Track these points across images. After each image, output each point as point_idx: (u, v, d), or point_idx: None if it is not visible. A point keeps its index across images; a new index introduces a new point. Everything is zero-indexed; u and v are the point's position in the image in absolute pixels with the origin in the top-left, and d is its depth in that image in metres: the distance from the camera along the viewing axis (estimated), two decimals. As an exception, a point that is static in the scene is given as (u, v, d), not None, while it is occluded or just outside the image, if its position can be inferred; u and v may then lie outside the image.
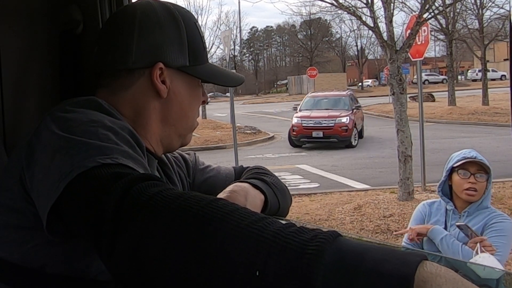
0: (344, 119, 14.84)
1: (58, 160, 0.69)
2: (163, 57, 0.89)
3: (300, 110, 16.38)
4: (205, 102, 1.03)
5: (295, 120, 15.22)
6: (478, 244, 2.20)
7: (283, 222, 0.57)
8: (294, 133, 14.92)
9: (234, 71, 1.09)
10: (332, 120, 14.84)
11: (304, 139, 14.81)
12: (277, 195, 1.03)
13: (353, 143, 14.63)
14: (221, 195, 0.94)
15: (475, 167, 2.43)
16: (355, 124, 15.07)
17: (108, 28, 0.93)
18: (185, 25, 0.93)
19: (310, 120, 14.99)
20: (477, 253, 2.18)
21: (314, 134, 14.68)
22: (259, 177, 1.04)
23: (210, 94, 57.01)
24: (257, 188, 0.98)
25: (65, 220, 0.68)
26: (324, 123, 14.76)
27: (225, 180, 1.11)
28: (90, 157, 0.67)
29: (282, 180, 1.12)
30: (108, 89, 0.91)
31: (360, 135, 15.89)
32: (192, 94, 0.96)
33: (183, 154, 1.13)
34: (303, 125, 14.85)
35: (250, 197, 0.94)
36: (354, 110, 15.66)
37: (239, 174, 1.14)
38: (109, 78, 0.90)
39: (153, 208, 0.59)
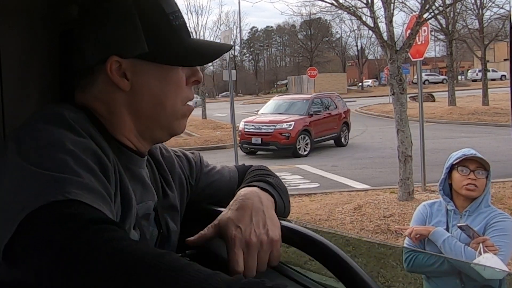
0: (286, 125, 13.45)
1: (12, 193, 0.68)
2: (116, 49, 0.84)
3: (257, 114, 15.46)
4: (198, 82, 0.94)
5: (241, 125, 13.95)
6: (480, 245, 2.20)
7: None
8: (239, 138, 13.54)
9: (220, 42, 1.01)
10: (272, 126, 13.43)
11: (245, 145, 13.69)
12: (282, 197, 1.02)
13: (300, 152, 13.26)
14: (234, 203, 0.93)
15: (475, 164, 2.44)
16: (309, 131, 13.65)
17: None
18: (139, 8, 0.85)
19: (252, 125, 13.86)
20: (480, 253, 2.18)
21: (253, 140, 13.49)
22: (264, 179, 1.03)
23: (224, 94, 57.06)
24: (266, 191, 0.97)
25: (9, 262, 0.66)
26: (264, 129, 13.45)
27: (229, 182, 1.10)
28: (41, 194, 0.66)
29: (283, 180, 1.12)
30: (79, 89, 0.88)
31: (339, 142, 14.84)
32: (165, 80, 0.87)
33: (188, 155, 1.10)
34: (245, 130, 13.75)
35: (264, 201, 0.94)
36: (313, 116, 14.26)
37: (243, 174, 1.12)
38: (77, 77, 0.88)
39: (89, 268, 0.59)
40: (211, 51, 0.93)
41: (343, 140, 15.06)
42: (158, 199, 0.94)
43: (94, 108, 0.86)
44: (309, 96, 16.01)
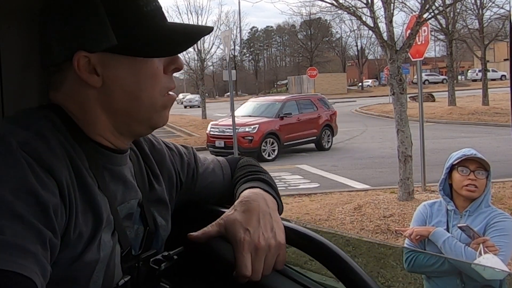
0: (249, 128, 12.87)
1: None
2: (83, 44, 0.78)
3: (229, 116, 14.70)
4: (179, 69, 0.87)
5: (208, 128, 13.61)
6: (481, 245, 2.20)
7: None
8: (206, 141, 13.42)
9: (198, 24, 0.92)
10: (235, 128, 13.15)
11: (211, 148, 13.11)
12: (279, 196, 1.02)
13: (266, 157, 12.69)
14: (240, 205, 0.91)
15: (475, 164, 2.44)
16: (277, 134, 13.03)
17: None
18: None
19: (216, 128, 13.39)
20: (480, 254, 2.18)
21: (217, 143, 13.02)
22: (261, 178, 1.03)
23: (229, 94, 56.71)
24: (268, 193, 0.97)
25: None
26: (227, 132, 12.63)
27: (224, 182, 1.09)
28: None
29: (283, 180, 1.12)
30: (52, 87, 0.84)
31: (320, 146, 14.17)
32: (139, 72, 0.81)
33: (180, 149, 1.06)
34: (210, 133, 13.38)
35: (269, 203, 0.93)
36: (285, 118, 13.60)
37: (234, 165, 1.11)
38: (48, 76, 0.84)
39: None
40: (187, 37, 0.85)
41: (324, 144, 14.27)
42: (144, 192, 0.91)
43: (67, 107, 0.81)
44: (283, 97, 15.30)
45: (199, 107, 34.73)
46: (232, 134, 12.24)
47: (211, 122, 14.08)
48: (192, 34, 0.86)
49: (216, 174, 1.08)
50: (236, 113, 14.57)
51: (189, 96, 45.27)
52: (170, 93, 0.87)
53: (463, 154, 2.47)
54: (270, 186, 1.01)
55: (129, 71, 0.81)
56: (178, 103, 49.19)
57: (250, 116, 13.89)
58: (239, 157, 1.15)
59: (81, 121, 0.81)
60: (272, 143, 12.93)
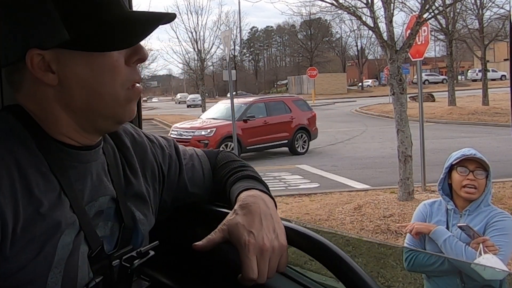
0: (205, 132, 12.47)
1: None
2: (34, 41, 0.75)
3: (199, 118, 14.54)
4: (143, 60, 0.82)
5: (170, 131, 13.23)
6: (481, 245, 2.20)
7: None
8: None
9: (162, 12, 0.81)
10: (191, 132, 12.51)
11: None
12: (267, 188, 1.00)
13: None
14: (240, 208, 0.90)
15: (474, 164, 2.44)
16: (238, 138, 11.87)
17: None
18: None
19: (175, 131, 13.11)
20: (480, 254, 2.18)
21: None
22: (253, 176, 1.01)
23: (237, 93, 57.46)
24: (265, 193, 0.96)
25: None
26: (184, 135, 12.47)
27: (204, 177, 1.07)
28: None
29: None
30: (13, 87, 0.81)
31: (294, 150, 13.50)
32: (96, 67, 0.77)
33: (160, 141, 1.04)
34: (170, 136, 12.27)
35: (269, 204, 0.93)
36: (249, 121, 13.03)
37: (213, 160, 1.09)
38: (8, 76, 0.81)
39: None
40: (145, 25, 0.80)
41: (298, 148, 13.60)
42: (119, 187, 0.88)
43: (28, 108, 0.79)
44: (251, 99, 14.59)
45: (201, 106, 35.60)
46: (188, 138, 12.24)
47: (174, 125, 13.73)
48: (150, 22, 0.80)
49: (196, 169, 1.06)
50: (204, 115, 14.40)
51: (192, 95, 45.66)
52: (137, 85, 0.83)
53: (462, 154, 2.47)
54: (260, 182, 1.00)
55: (85, 66, 0.77)
56: (176, 103, 50.93)
57: (215, 118, 13.49)
58: (217, 151, 1.12)
59: (43, 122, 0.79)
60: (231, 147, 11.65)
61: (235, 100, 15.18)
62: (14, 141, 0.75)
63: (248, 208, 0.89)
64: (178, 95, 52.95)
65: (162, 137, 1.07)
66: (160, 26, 0.83)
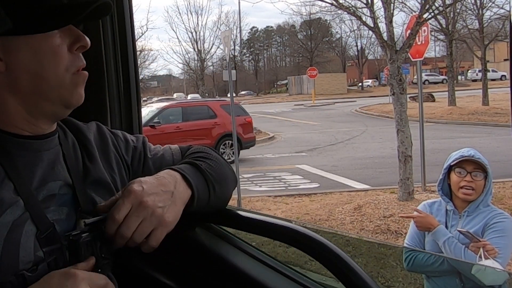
0: None
1: None
2: None
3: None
4: (85, 47, 0.88)
5: None
6: (481, 249, 2.19)
7: None
8: None
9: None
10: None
11: None
12: (209, 185, 0.97)
13: None
14: (149, 178, 0.90)
15: (472, 165, 2.43)
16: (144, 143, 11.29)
17: None
18: None
19: None
20: (480, 258, 2.17)
21: None
22: (195, 162, 0.99)
23: (244, 92, 57.88)
24: (187, 182, 0.93)
25: None
26: None
27: (172, 163, 1.07)
28: None
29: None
30: None
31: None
32: (38, 51, 0.83)
33: (126, 136, 1.09)
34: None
35: (179, 192, 0.91)
36: (158, 127, 12.28)
37: (185, 151, 1.11)
38: None
39: None
40: (80, 7, 0.86)
41: (225, 156, 12.26)
42: (77, 175, 0.93)
43: None
44: (167, 104, 13.82)
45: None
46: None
47: None
48: (84, 4, 0.85)
49: (165, 159, 1.08)
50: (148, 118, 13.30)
51: (192, 95, 46.90)
52: (82, 71, 0.88)
53: (461, 155, 2.46)
54: (200, 172, 0.97)
55: (29, 51, 0.83)
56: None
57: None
58: (191, 146, 1.14)
59: None
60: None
61: (157, 104, 14.64)
62: None
63: (158, 176, 0.90)
64: (175, 95, 55.62)
65: (132, 135, 1.12)
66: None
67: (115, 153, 1.03)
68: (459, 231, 2.33)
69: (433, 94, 29.02)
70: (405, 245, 2.56)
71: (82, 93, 0.90)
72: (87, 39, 0.88)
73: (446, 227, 2.46)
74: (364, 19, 8.51)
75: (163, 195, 0.87)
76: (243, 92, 60.28)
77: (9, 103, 0.85)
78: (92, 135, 1.02)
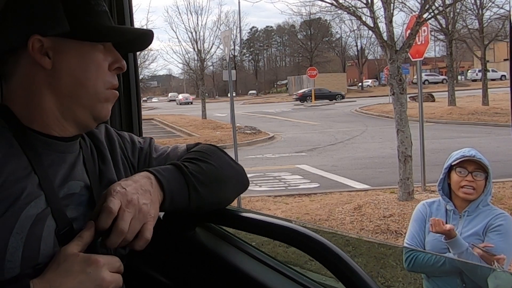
0: None
1: None
2: (37, 28, 0.87)
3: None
4: (121, 69, 0.97)
5: None
6: (495, 263, 2.18)
7: None
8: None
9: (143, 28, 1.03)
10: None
11: None
12: (190, 188, 0.96)
13: None
14: (125, 178, 0.92)
15: (473, 165, 2.42)
16: None
17: None
18: None
19: None
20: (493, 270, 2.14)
21: None
22: (180, 164, 0.99)
23: (253, 92, 58.94)
24: (159, 182, 0.93)
25: None
26: None
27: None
28: None
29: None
30: (4, 78, 0.92)
31: None
32: (85, 59, 0.90)
33: (133, 137, 1.12)
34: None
35: (154, 187, 0.92)
36: None
37: (190, 149, 1.11)
38: (2, 65, 0.91)
39: None
40: (131, 31, 0.98)
41: None
42: (94, 178, 0.96)
43: (13, 101, 0.90)
44: None
45: (191, 103, 41.44)
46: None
47: None
48: (135, 30, 0.98)
49: (170, 159, 1.09)
50: None
51: (183, 95, 54.24)
52: (114, 90, 0.95)
53: (462, 155, 2.46)
54: (182, 174, 0.97)
55: (77, 57, 0.90)
56: (167, 101, 55.91)
57: None
58: (199, 143, 1.14)
59: (24, 114, 0.89)
60: None
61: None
62: None
63: (133, 179, 0.92)
64: (170, 94, 61.99)
65: (141, 137, 1.15)
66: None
67: (121, 155, 1.06)
68: (473, 245, 2.29)
69: (433, 94, 29.03)
70: (405, 244, 2.55)
71: (109, 110, 0.96)
72: (125, 62, 0.96)
73: (446, 226, 2.46)
74: (364, 19, 8.51)
75: (144, 194, 0.89)
76: (252, 92, 61.90)
77: (45, 100, 0.90)
78: (103, 136, 1.06)
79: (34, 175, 0.85)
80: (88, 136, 1.02)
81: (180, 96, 52.11)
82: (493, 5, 21.96)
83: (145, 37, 0.98)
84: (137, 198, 0.87)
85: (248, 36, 73.29)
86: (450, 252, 2.33)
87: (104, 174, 1.00)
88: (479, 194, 2.41)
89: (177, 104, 48.58)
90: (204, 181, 0.99)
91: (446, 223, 2.46)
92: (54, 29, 0.88)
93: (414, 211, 2.64)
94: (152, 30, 0.99)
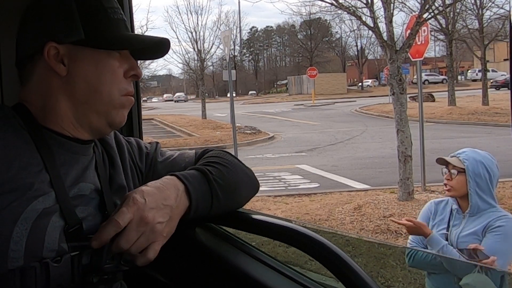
0: None
1: None
2: (53, 36, 0.89)
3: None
4: (137, 77, 0.98)
5: None
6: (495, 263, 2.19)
7: None
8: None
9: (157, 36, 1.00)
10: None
11: None
12: (213, 195, 0.96)
13: None
14: (154, 182, 0.91)
15: (451, 164, 2.50)
16: None
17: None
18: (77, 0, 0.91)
19: None
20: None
21: None
22: (205, 169, 0.98)
23: (252, 92, 59.97)
24: (187, 193, 0.93)
25: None
26: None
27: (184, 168, 1.05)
28: None
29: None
30: (23, 80, 0.94)
31: None
32: (100, 66, 0.91)
33: (140, 142, 1.13)
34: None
35: (179, 200, 0.91)
36: None
37: (199, 156, 1.10)
38: (21, 70, 0.94)
39: None
40: (147, 39, 0.97)
41: None
42: (105, 182, 0.97)
43: (31, 100, 0.92)
44: None
45: (185, 101, 44.49)
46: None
47: None
48: (152, 38, 0.96)
49: (176, 163, 1.09)
50: None
51: (179, 94, 61.42)
52: (130, 96, 0.96)
53: (451, 156, 2.55)
54: (207, 180, 0.96)
55: (92, 63, 0.91)
56: (163, 101, 60.83)
57: None
58: (210, 149, 1.13)
59: (40, 114, 0.91)
60: None
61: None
62: (5, 123, 0.87)
63: (159, 186, 0.90)
64: (164, 95, 67.56)
65: (148, 143, 1.16)
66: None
67: (129, 160, 1.07)
68: (469, 248, 2.32)
69: (433, 94, 29.02)
70: (408, 241, 2.60)
71: (125, 116, 0.97)
72: (140, 70, 0.98)
73: (448, 225, 2.48)
74: (364, 19, 8.51)
75: (163, 209, 0.88)
76: (252, 92, 62.57)
77: (61, 105, 0.91)
78: (113, 139, 1.07)
79: (46, 172, 0.86)
80: (99, 141, 1.03)
81: (177, 95, 60.19)
82: (493, 5, 21.97)
83: (161, 45, 0.97)
84: (153, 215, 0.85)
85: (248, 36, 73.38)
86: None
87: (115, 179, 1.01)
88: (460, 192, 2.43)
89: (174, 102, 55.07)
90: (225, 188, 0.99)
91: (449, 222, 2.49)
92: (70, 37, 0.89)
93: (422, 209, 2.71)
94: (168, 38, 0.98)
